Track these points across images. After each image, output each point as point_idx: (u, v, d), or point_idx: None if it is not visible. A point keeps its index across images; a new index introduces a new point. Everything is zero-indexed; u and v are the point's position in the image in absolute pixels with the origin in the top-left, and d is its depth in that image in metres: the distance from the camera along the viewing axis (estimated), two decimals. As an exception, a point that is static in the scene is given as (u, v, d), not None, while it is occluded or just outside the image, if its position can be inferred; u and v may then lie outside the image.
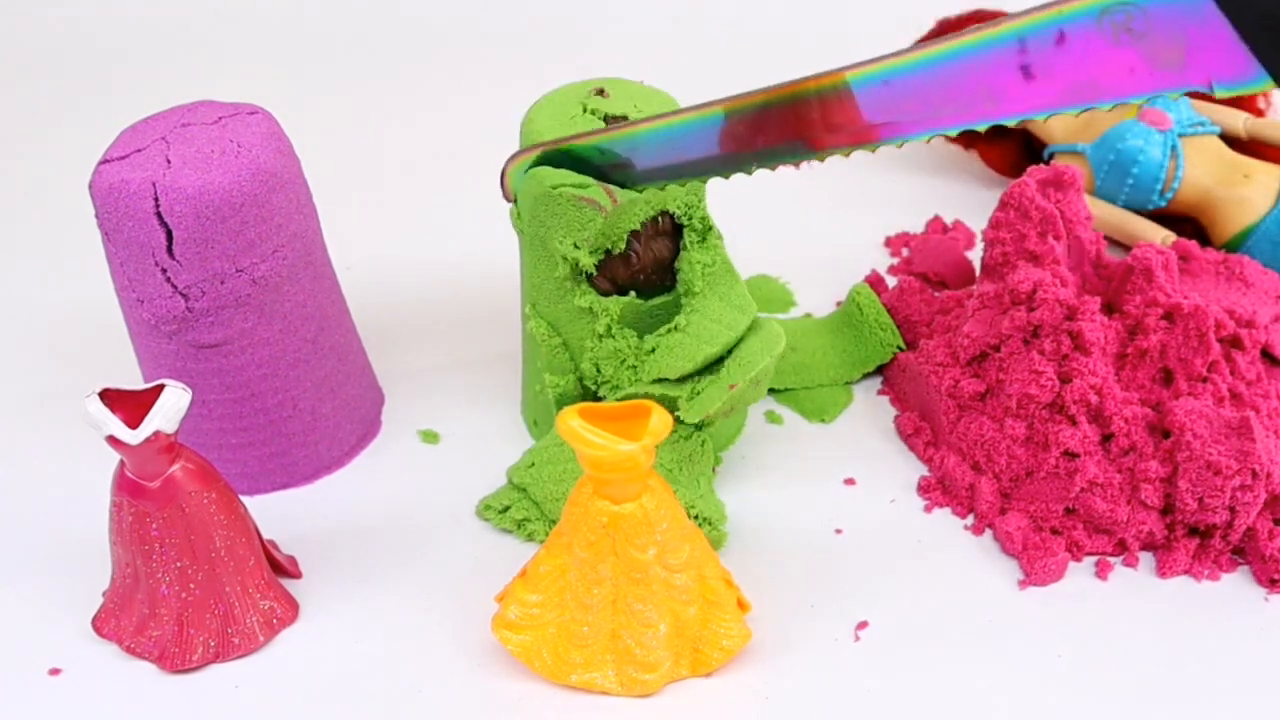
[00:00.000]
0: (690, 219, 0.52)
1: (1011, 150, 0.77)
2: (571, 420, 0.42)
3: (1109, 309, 0.57)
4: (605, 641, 0.46)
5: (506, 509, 0.55)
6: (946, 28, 0.80)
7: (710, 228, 0.53)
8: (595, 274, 0.52)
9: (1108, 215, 0.69)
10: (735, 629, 0.47)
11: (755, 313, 0.52)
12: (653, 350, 0.53)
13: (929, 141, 0.45)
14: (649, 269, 0.53)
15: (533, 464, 0.55)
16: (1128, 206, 0.69)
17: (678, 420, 0.52)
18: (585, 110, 0.52)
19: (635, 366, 0.53)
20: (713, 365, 0.52)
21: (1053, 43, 0.33)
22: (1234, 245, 0.66)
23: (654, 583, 0.45)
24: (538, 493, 0.54)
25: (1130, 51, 0.31)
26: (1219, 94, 0.32)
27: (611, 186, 0.49)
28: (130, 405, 0.45)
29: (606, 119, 0.51)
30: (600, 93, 0.52)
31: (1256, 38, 0.28)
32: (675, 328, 0.52)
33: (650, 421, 0.42)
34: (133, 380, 0.58)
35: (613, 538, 0.44)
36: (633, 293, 0.53)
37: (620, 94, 0.52)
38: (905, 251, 0.72)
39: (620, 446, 0.42)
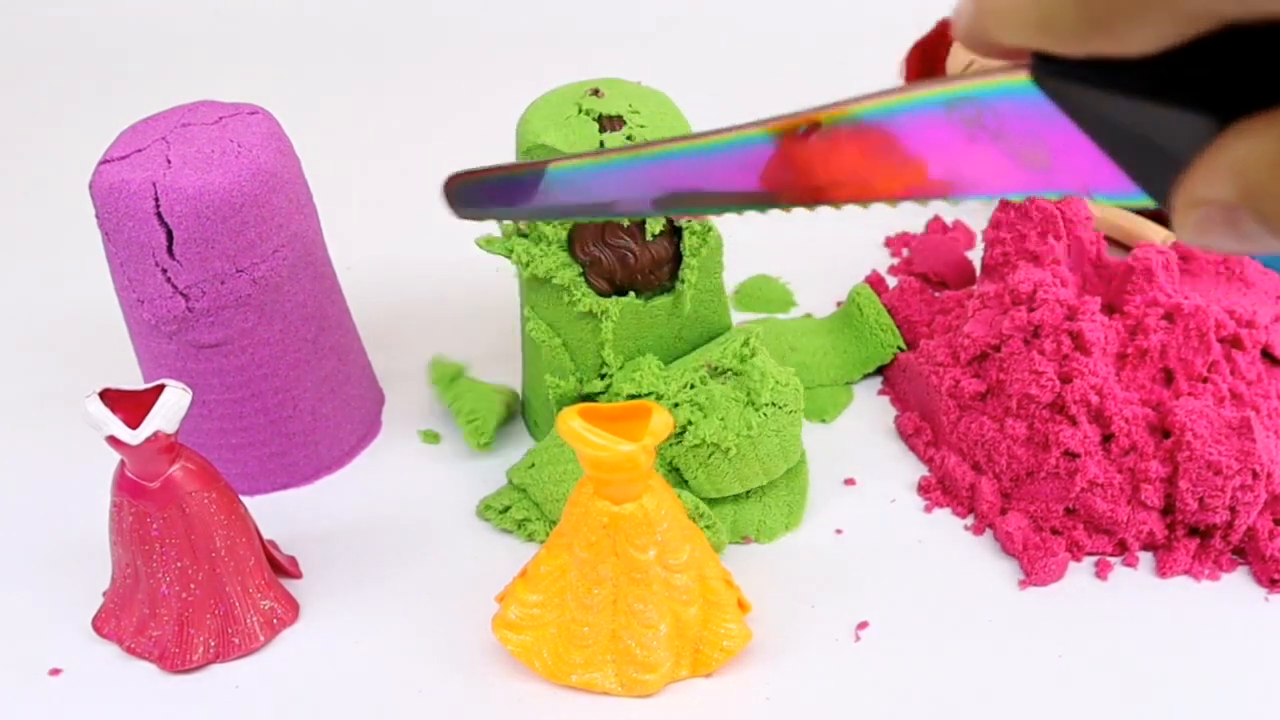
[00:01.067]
0: (689, 220, 0.52)
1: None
2: (572, 421, 0.42)
3: (1109, 309, 0.57)
4: (605, 642, 0.46)
5: (507, 509, 0.55)
6: (948, 27, 0.80)
7: (710, 228, 0.53)
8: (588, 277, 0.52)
9: (1108, 215, 0.69)
10: (736, 629, 0.47)
11: (799, 458, 0.53)
12: (695, 446, 0.51)
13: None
14: (648, 269, 0.53)
15: (533, 464, 0.54)
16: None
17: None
18: (580, 110, 0.51)
19: (639, 380, 0.53)
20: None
21: (903, 129, 0.29)
22: (1234, 245, 0.66)
23: (654, 583, 0.45)
24: (538, 493, 0.54)
25: (990, 148, 0.27)
26: (1100, 202, 0.28)
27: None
28: (130, 405, 0.45)
29: (601, 119, 0.51)
30: (595, 93, 0.52)
31: (1125, 157, 0.24)
32: (719, 445, 0.51)
33: (651, 422, 0.42)
34: (133, 380, 0.57)
35: (613, 538, 0.44)
36: (632, 293, 0.53)
37: (616, 94, 0.52)
38: (905, 251, 0.72)
39: (620, 447, 0.42)
